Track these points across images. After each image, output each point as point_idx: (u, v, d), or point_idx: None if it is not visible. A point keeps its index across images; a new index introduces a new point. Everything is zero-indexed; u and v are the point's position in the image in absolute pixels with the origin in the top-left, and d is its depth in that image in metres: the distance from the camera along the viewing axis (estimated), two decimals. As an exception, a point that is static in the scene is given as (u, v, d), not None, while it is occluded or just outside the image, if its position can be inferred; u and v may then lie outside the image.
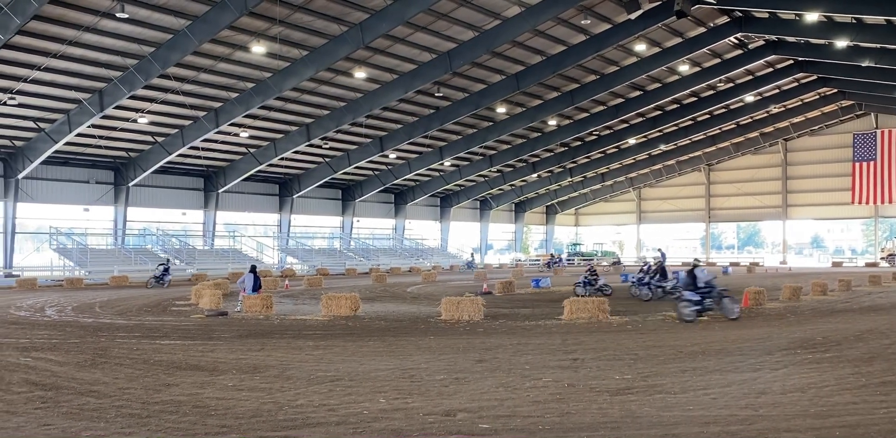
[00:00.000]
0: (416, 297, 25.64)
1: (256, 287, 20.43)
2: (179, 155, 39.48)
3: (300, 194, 49.01)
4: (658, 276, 21.92)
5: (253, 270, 20.85)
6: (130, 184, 40.61)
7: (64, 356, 11.34)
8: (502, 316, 17.88)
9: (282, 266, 47.46)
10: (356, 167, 48.20)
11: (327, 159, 46.32)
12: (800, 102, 52.84)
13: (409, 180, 54.86)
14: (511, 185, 61.68)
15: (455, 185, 58.20)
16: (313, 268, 46.76)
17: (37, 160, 34.88)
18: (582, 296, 22.33)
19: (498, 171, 57.20)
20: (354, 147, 45.11)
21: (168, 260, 32.93)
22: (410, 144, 45.83)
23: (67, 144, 35.25)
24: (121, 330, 15.52)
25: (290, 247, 51.22)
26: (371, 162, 48.55)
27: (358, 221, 55.69)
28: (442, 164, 51.39)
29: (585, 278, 24.44)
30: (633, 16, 30.92)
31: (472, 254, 57.17)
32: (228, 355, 11.54)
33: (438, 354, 11.50)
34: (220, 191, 45.16)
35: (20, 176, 36.19)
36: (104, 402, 7.95)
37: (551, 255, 53.71)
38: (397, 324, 16.48)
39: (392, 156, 48.47)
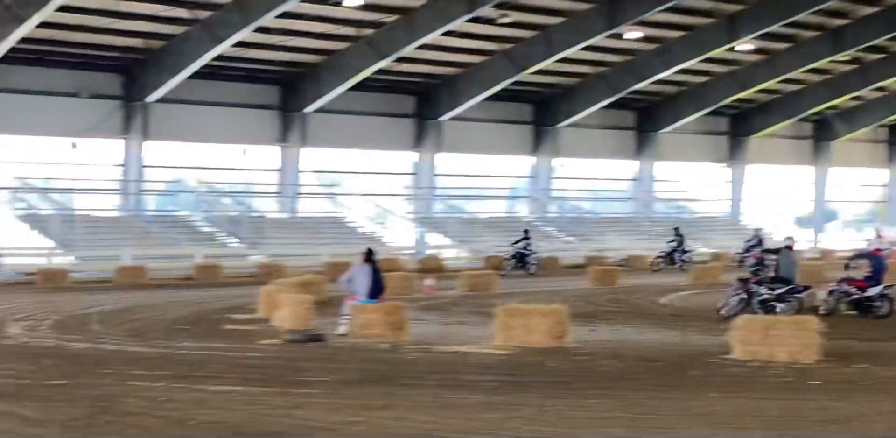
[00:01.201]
0: (676, 314, 25.81)
1: (376, 291, 20.95)
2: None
3: (452, 113, 51.14)
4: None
5: (369, 258, 21.34)
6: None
7: (41, 410, 12.04)
8: (856, 354, 17.53)
9: (421, 252, 48.50)
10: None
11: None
12: None
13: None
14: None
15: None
16: (478, 256, 47.35)
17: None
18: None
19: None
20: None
21: None
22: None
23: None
24: (137, 365, 16.37)
25: (436, 216, 52.18)
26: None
27: (562, 165, 57.16)
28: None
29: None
30: None
31: None
32: (329, 415, 11.83)
33: (732, 428, 11.27)
34: (308, 110, 47.42)
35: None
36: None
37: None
38: (644, 366, 16.43)
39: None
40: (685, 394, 13.62)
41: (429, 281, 33.46)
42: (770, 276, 24.95)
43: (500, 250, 47.81)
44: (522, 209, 58.75)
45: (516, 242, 43.11)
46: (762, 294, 23.93)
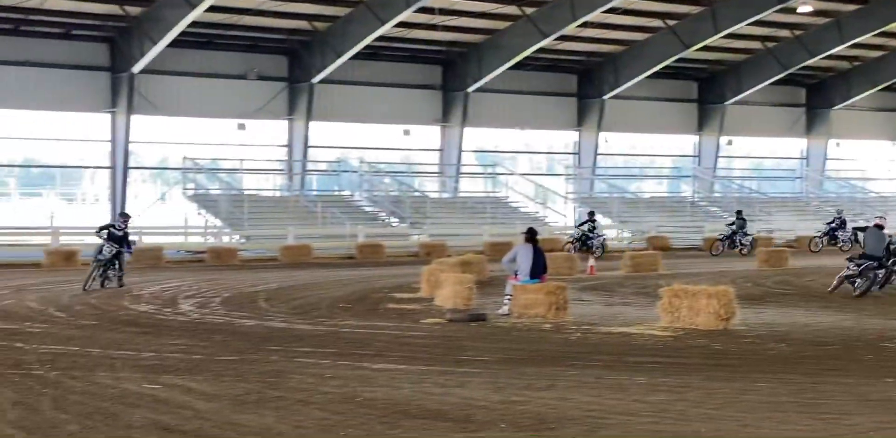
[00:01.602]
0: (849, 297, 25.12)
1: (538, 270, 20.96)
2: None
3: (614, 91, 51.02)
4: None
5: (531, 238, 21.39)
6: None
7: (213, 385, 12.47)
8: None
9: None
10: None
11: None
12: None
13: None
14: None
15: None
16: (640, 235, 47.12)
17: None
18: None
19: None
20: None
21: (124, 216, 28.39)
22: None
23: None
24: (303, 342, 16.79)
25: (598, 196, 51.99)
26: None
27: (729, 142, 57.31)
28: None
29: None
30: None
31: None
32: (491, 394, 11.89)
33: (906, 414, 10.94)
34: (469, 90, 47.79)
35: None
36: (282, 470, 8.59)
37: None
38: (815, 350, 16.13)
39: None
40: (859, 380, 13.26)
41: (591, 261, 33.46)
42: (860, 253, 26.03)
43: (661, 230, 47.56)
44: (686, 189, 58.18)
45: (581, 224, 42.41)
46: (849, 270, 25.22)
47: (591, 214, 42.54)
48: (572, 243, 41.27)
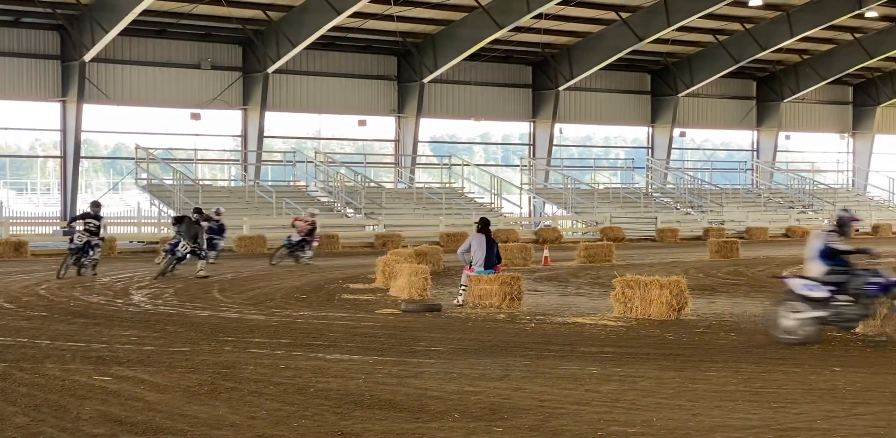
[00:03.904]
0: None
1: (492, 261, 20.98)
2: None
3: (569, 82, 51.04)
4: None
5: (484, 228, 21.39)
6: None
7: (164, 376, 12.38)
8: None
9: (537, 223, 48.49)
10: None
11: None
12: None
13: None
14: None
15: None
16: (595, 226, 47.31)
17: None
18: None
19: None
20: None
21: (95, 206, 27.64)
22: None
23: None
24: (257, 333, 16.69)
25: (552, 187, 52.15)
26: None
27: (682, 134, 58.60)
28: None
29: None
30: None
31: None
32: (445, 384, 11.94)
33: (854, 403, 11.06)
34: (425, 81, 47.77)
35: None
36: (233, 461, 8.53)
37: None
38: (765, 340, 16.17)
39: None
40: (806, 369, 13.41)
41: (546, 252, 33.58)
42: None
43: (615, 221, 47.76)
44: (640, 180, 58.61)
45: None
46: None
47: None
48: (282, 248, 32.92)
